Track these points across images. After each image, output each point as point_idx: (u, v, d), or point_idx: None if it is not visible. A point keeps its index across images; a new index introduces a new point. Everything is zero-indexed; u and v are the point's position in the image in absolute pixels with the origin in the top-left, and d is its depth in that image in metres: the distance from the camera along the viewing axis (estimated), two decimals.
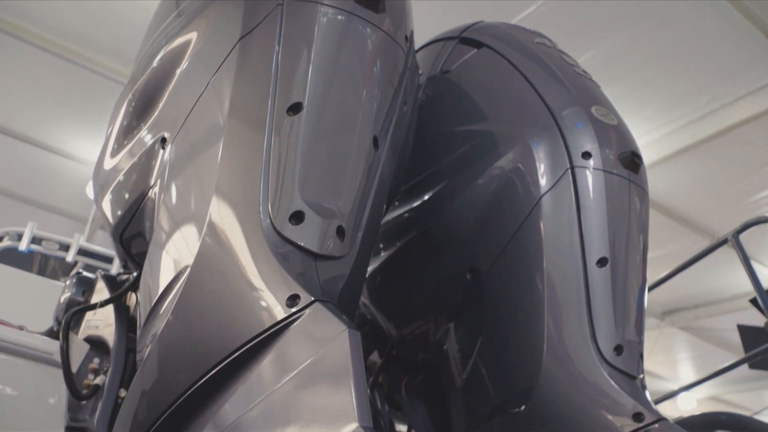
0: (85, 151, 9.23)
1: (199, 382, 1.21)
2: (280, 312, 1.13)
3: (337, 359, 0.96)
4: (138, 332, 1.60)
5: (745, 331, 4.26)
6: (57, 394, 2.06)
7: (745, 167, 7.78)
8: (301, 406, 1.01)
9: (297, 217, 1.24)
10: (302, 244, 1.23)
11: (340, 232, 1.27)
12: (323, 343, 1.01)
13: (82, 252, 5.44)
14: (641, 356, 1.75)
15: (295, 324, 1.10)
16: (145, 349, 1.45)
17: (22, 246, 5.45)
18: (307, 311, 1.10)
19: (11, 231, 5.79)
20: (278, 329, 1.12)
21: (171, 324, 1.32)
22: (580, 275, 1.74)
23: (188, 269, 1.31)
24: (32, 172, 9.96)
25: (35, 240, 5.67)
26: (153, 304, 1.44)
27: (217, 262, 1.27)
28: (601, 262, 1.76)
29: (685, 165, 7.58)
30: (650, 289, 3.59)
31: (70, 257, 5.42)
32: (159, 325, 1.38)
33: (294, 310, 1.11)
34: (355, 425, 0.87)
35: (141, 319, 1.54)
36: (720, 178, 7.98)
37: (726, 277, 9.39)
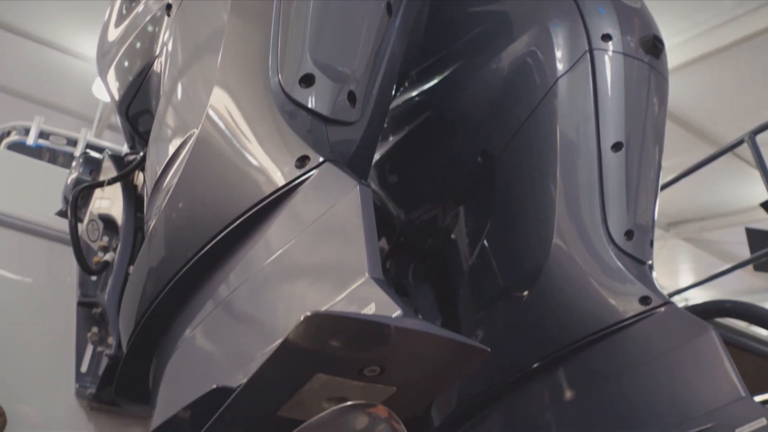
0: (92, 50, 9.06)
1: (208, 246, 1.21)
2: (289, 173, 1.11)
3: (348, 214, 0.95)
4: (145, 207, 1.59)
5: (752, 234, 4.27)
6: (68, 271, 2.09)
7: (764, 77, 7.59)
8: (312, 261, 1.00)
9: (307, 81, 1.20)
10: (312, 108, 1.19)
11: (351, 97, 1.23)
12: (334, 199, 0.99)
13: (90, 147, 5.42)
14: (651, 242, 1.74)
15: (305, 184, 1.09)
16: (152, 220, 1.44)
17: (30, 140, 5.43)
18: (317, 171, 1.08)
19: (18, 125, 5.76)
20: (288, 190, 1.10)
21: (178, 190, 1.31)
22: (593, 159, 1.71)
23: (195, 134, 1.29)
24: (38, 70, 9.83)
25: (43, 135, 5.65)
26: (159, 173, 1.42)
27: (224, 127, 1.24)
28: (616, 146, 1.72)
29: (703, 73, 7.41)
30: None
31: (78, 152, 5.40)
32: (165, 193, 1.36)
33: (303, 170, 1.09)
34: (365, 277, 0.87)
35: (147, 192, 1.53)
36: (737, 87, 7.82)
37: (734, 189, 9.37)
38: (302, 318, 0.72)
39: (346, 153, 1.20)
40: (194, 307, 1.27)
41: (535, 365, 1.67)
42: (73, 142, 5.52)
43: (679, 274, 12.50)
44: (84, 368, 1.97)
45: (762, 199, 4.09)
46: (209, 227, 1.20)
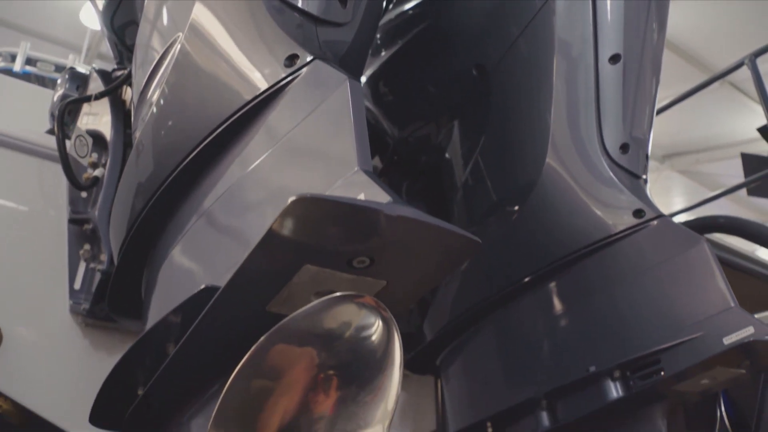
0: None
1: (196, 151, 1.18)
2: (278, 72, 1.08)
3: (338, 108, 0.92)
4: (132, 116, 1.55)
5: (747, 159, 4.25)
6: (59, 189, 2.06)
7: (764, 6, 7.43)
8: (302, 158, 0.98)
9: None
10: (301, 6, 1.15)
11: None
12: (324, 94, 0.97)
13: None
14: (647, 156, 1.73)
15: (294, 82, 1.05)
16: (138, 130, 1.41)
17: (17, 66, 5.32)
18: (306, 69, 1.05)
19: (4, 52, 5.63)
20: (277, 90, 1.07)
21: (163, 97, 1.27)
22: (590, 71, 1.68)
23: (180, 38, 1.24)
24: None
25: (30, 62, 5.53)
26: (144, 82, 1.39)
27: (210, 29, 1.20)
28: (614, 59, 1.69)
29: (702, 1, 7.25)
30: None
31: None
32: (151, 101, 1.33)
33: (293, 69, 1.06)
34: (355, 168, 0.85)
35: (134, 103, 1.49)
36: (736, 16, 7.66)
37: (731, 121, 9.31)
38: (288, 201, 0.71)
39: (336, 54, 1.16)
40: (184, 214, 1.26)
41: (527, 279, 1.68)
42: (61, 69, 5.40)
43: (673, 207, 12.51)
44: (77, 285, 1.97)
45: (759, 128, 4.05)
46: (197, 132, 1.18)
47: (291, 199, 0.71)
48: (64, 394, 1.92)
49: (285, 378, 0.81)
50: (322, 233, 0.76)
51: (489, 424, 1.69)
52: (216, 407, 0.81)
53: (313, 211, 0.72)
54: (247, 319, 0.92)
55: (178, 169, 1.22)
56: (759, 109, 3.71)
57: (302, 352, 0.79)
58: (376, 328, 0.79)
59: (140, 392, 1.19)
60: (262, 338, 0.79)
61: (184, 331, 1.03)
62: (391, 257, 0.82)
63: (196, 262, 1.19)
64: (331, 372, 0.80)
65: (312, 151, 0.96)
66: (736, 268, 2.08)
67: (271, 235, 0.75)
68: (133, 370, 1.20)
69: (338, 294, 0.79)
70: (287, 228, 0.74)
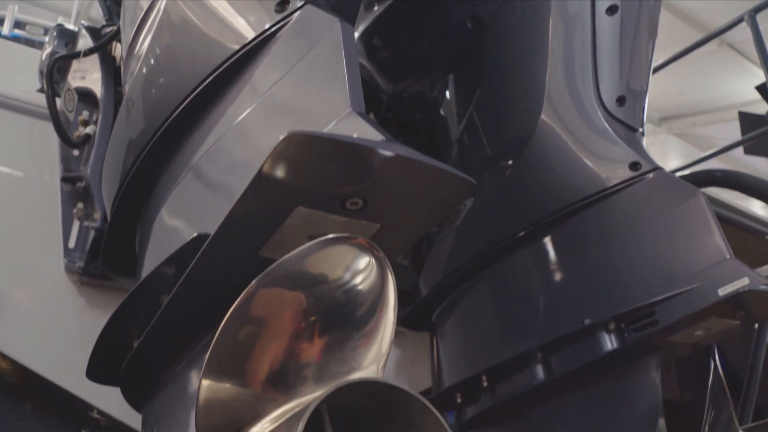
0: None
1: (186, 101, 1.16)
2: (267, 19, 1.05)
3: (329, 50, 0.90)
4: (122, 71, 1.53)
5: (745, 118, 4.22)
6: (51, 148, 2.04)
7: None
8: (295, 103, 0.96)
9: None
10: None
11: None
12: (315, 39, 0.95)
13: None
14: (644, 109, 1.71)
15: (285, 28, 1.03)
16: (127, 84, 1.38)
17: (5, 30, 5.23)
18: (298, 14, 1.02)
19: None
20: (268, 36, 1.05)
21: (152, 49, 1.25)
22: (587, 23, 1.65)
23: None
24: None
25: (18, 25, 5.44)
26: (132, 34, 1.36)
27: None
28: (611, 9, 1.66)
29: None
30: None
31: None
32: (140, 53, 1.30)
33: (284, 14, 1.04)
34: (348, 110, 0.83)
35: (123, 57, 1.47)
36: None
37: (728, 84, 9.24)
38: (280, 139, 0.70)
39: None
40: (175, 169, 1.24)
41: (522, 233, 1.67)
42: None
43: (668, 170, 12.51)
44: (72, 244, 1.97)
45: (758, 86, 4.01)
46: (186, 85, 1.16)
47: (282, 136, 0.70)
48: (61, 352, 1.93)
49: (277, 322, 0.80)
50: (314, 172, 0.74)
51: (484, 377, 1.70)
52: (208, 354, 0.80)
53: (306, 148, 0.71)
54: (240, 265, 0.91)
55: (167, 123, 1.20)
56: (757, 70, 3.68)
57: (294, 295, 0.79)
58: (369, 270, 0.78)
59: (135, 345, 1.19)
60: (253, 282, 0.79)
61: (177, 281, 1.03)
62: (384, 198, 0.81)
63: (188, 215, 1.17)
64: (323, 315, 0.80)
65: (303, 96, 0.95)
66: (732, 224, 2.07)
67: (262, 175, 0.74)
68: (128, 322, 1.20)
69: (331, 236, 0.78)
70: (279, 167, 0.73)
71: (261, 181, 0.76)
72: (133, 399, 1.32)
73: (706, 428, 1.40)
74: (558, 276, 1.64)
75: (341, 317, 0.78)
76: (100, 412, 2.00)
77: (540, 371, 1.61)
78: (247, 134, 1.04)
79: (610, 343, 1.52)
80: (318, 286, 0.79)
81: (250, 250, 0.89)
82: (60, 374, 1.92)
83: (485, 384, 1.70)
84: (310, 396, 0.74)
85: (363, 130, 0.78)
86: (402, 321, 2.02)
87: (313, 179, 0.76)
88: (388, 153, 0.73)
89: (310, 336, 0.80)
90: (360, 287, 0.78)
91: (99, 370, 1.36)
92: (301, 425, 0.66)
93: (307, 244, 0.78)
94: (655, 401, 1.50)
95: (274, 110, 0.99)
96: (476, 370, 1.70)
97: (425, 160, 0.76)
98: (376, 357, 0.78)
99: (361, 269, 0.78)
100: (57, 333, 1.97)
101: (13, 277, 1.99)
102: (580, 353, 1.55)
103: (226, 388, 0.81)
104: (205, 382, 0.81)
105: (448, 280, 1.81)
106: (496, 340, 1.72)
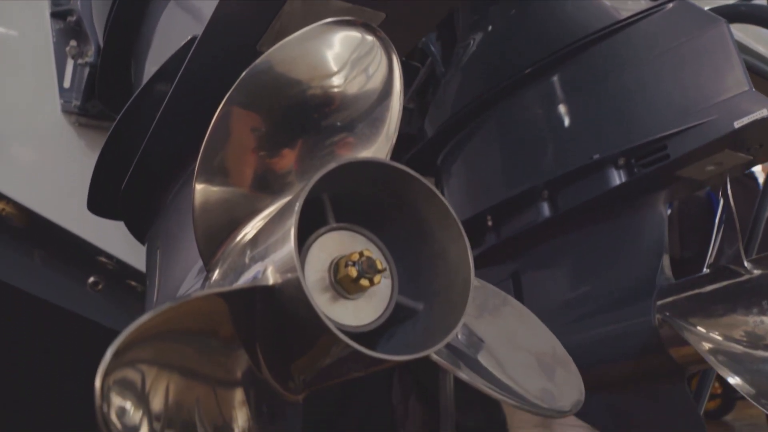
0: None
1: None
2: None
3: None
4: None
5: None
6: None
7: None
8: None
9: None
10: None
11: None
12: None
13: None
14: None
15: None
16: None
17: None
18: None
19: None
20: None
21: None
22: None
23: None
24: None
25: None
26: None
27: None
28: None
29: None
30: None
31: None
32: None
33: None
34: None
35: None
36: None
37: None
38: None
39: None
40: None
41: (532, 67, 1.60)
42: None
43: None
44: (66, 83, 1.91)
45: None
46: None
47: None
48: (63, 193, 1.91)
49: (272, 115, 0.76)
50: None
51: (489, 216, 1.69)
52: (200, 154, 0.77)
53: None
54: (238, 62, 0.86)
55: None
56: None
57: (290, 81, 0.74)
58: (373, 54, 0.73)
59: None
60: (244, 71, 0.74)
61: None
62: None
63: (183, 25, 1.11)
64: (326, 105, 0.76)
65: None
66: (758, 73, 1.97)
67: None
68: (125, 140, 1.16)
69: (331, 19, 0.73)
70: None
71: None
72: (135, 227, 1.32)
73: (711, 260, 1.40)
74: (567, 112, 1.59)
75: (346, 104, 0.74)
76: (108, 255, 2.01)
77: (545, 208, 1.59)
78: None
79: (618, 177, 1.49)
80: (317, 72, 0.74)
81: (247, 44, 0.84)
82: (64, 216, 1.92)
83: (490, 223, 1.69)
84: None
85: None
86: (407, 165, 1.99)
87: None
88: None
89: (306, 130, 0.77)
90: (364, 73, 0.74)
91: (100, 200, 1.35)
92: (297, 205, 0.63)
93: (306, 28, 0.73)
94: (661, 236, 1.49)
95: None
96: (480, 208, 1.69)
97: None
98: (382, 145, 0.74)
99: (365, 54, 0.73)
100: (58, 174, 1.95)
101: (10, 122, 1.95)
102: (587, 188, 1.52)
103: (220, 188, 0.78)
104: (199, 186, 0.77)
105: (454, 120, 1.76)
106: (502, 179, 1.69)
